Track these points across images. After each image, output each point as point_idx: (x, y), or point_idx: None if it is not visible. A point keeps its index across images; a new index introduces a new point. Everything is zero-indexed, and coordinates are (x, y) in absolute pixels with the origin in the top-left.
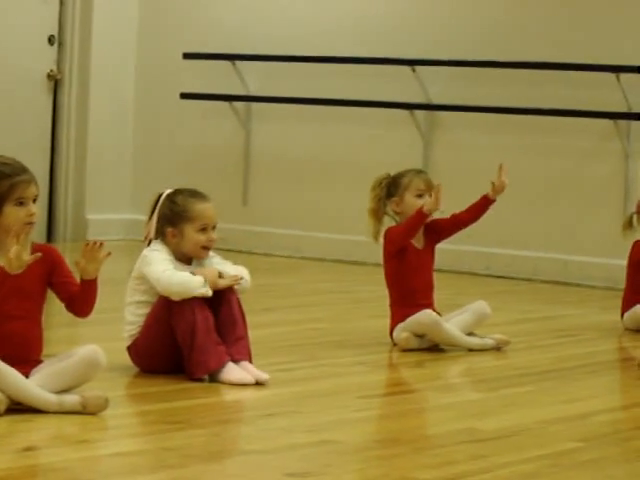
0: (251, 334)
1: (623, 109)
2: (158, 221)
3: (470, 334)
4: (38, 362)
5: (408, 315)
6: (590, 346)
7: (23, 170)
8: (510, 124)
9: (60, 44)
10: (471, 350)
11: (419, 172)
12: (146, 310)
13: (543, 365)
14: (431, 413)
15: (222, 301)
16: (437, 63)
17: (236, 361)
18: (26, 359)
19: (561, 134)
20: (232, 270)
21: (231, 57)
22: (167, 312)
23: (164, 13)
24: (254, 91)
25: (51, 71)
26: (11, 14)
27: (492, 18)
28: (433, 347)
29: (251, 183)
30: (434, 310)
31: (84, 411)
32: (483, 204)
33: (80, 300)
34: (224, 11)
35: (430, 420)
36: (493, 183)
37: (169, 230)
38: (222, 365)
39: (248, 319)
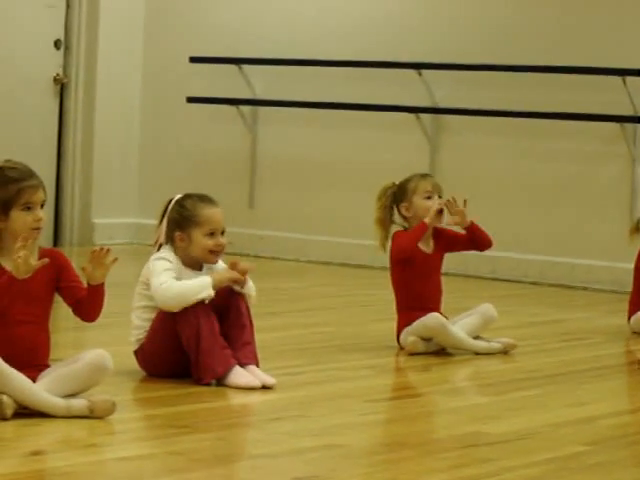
0: (257, 338)
1: (629, 112)
2: (167, 226)
3: (476, 337)
4: (45, 366)
5: (415, 319)
6: (597, 350)
7: (31, 175)
8: (516, 127)
9: (66, 48)
10: (478, 354)
11: (424, 175)
12: (152, 315)
13: (550, 369)
14: (438, 417)
15: (231, 306)
16: (443, 67)
17: (243, 365)
18: (33, 363)
19: (567, 138)
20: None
21: (237, 61)
22: (172, 317)
23: (171, 17)
24: (260, 95)
25: (57, 75)
26: (17, 18)
27: (498, 21)
28: (440, 351)
29: (257, 187)
30: (441, 314)
31: (91, 415)
32: (469, 234)
33: (87, 305)
34: (230, 15)
35: (437, 424)
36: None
37: (177, 234)
38: (229, 369)
39: (254, 323)
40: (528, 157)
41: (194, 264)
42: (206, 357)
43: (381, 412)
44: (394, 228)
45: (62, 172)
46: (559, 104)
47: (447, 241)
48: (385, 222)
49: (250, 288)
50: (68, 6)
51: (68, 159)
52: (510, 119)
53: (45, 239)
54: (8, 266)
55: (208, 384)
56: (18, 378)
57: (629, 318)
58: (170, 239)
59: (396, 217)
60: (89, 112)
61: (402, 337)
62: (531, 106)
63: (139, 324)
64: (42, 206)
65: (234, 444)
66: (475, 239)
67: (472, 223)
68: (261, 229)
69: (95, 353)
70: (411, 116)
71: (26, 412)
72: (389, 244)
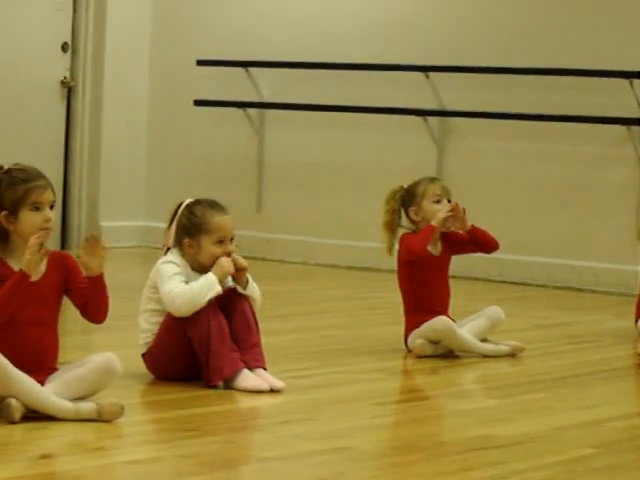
0: (265, 341)
1: (636, 115)
2: (176, 231)
3: (484, 340)
4: (54, 370)
5: (423, 322)
6: (605, 352)
7: (39, 176)
8: (523, 130)
9: (73, 51)
10: (486, 357)
11: (433, 179)
12: (160, 318)
13: (558, 371)
14: (446, 420)
15: (236, 308)
16: (451, 69)
17: (251, 368)
18: (42, 367)
19: (574, 140)
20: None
21: (245, 64)
22: (181, 320)
23: (178, 20)
24: (268, 98)
25: (64, 78)
26: (25, 22)
27: (505, 24)
28: (448, 354)
29: (265, 190)
30: (449, 317)
31: (100, 418)
32: (472, 237)
33: (92, 302)
34: (237, 18)
35: (445, 427)
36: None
37: (186, 241)
38: (236, 372)
39: (262, 326)
40: (535, 160)
41: (202, 270)
42: (214, 359)
43: (389, 415)
44: (401, 232)
45: (69, 175)
46: (566, 107)
47: (454, 243)
48: (393, 226)
49: (255, 292)
50: (75, 10)
51: (75, 162)
52: (517, 122)
53: (52, 242)
54: (17, 266)
55: (216, 386)
56: (26, 381)
57: (637, 320)
58: (178, 244)
59: (403, 221)
60: (96, 115)
61: (410, 340)
62: (538, 109)
63: (147, 327)
64: (52, 207)
65: (243, 447)
66: (478, 241)
67: (473, 226)
68: (268, 232)
69: (103, 356)
70: (418, 119)
71: (34, 415)
72: (396, 247)
